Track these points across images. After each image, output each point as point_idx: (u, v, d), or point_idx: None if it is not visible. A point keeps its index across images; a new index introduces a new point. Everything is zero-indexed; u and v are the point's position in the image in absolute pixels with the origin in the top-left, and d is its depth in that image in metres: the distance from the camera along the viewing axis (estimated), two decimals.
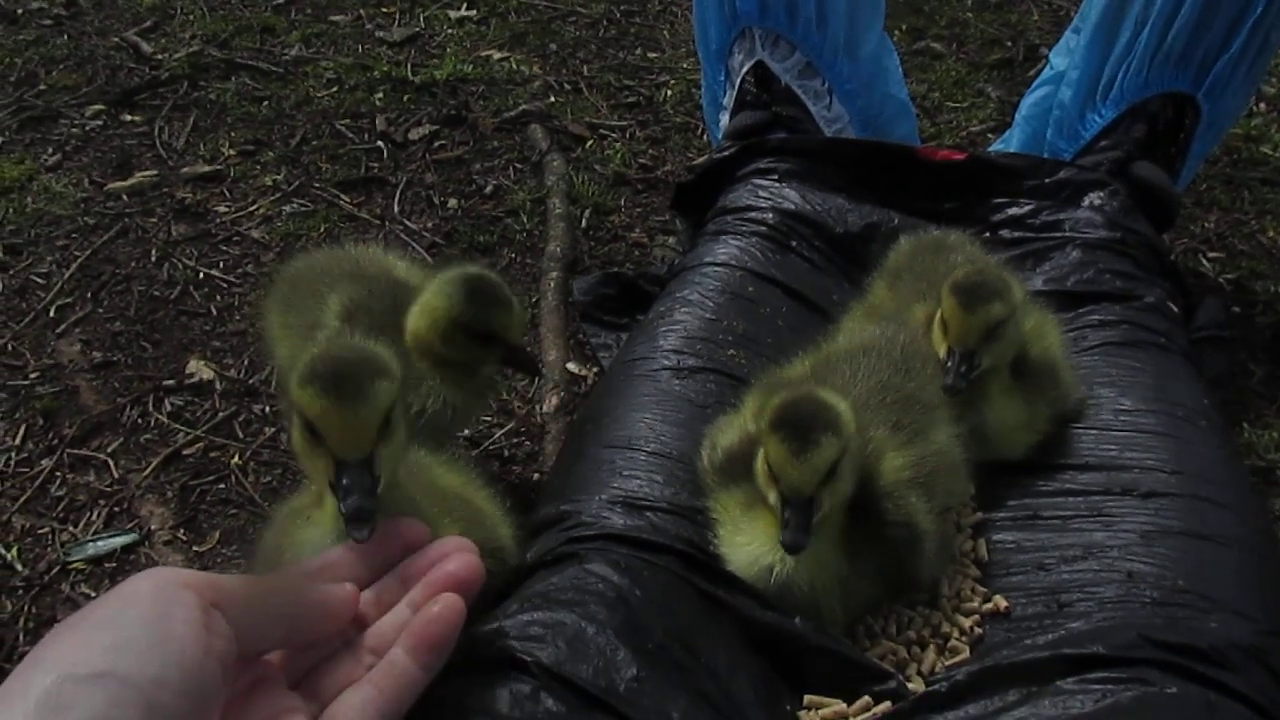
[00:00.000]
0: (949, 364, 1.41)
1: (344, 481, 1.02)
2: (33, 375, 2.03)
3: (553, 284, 2.13)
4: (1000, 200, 1.95)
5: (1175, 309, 1.79)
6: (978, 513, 1.43)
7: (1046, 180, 1.94)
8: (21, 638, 1.58)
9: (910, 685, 1.20)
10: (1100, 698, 1.08)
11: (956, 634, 1.27)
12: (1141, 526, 1.32)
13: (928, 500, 1.32)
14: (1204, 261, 2.30)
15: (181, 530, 1.73)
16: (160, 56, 3.08)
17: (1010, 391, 1.50)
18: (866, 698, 1.18)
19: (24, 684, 0.67)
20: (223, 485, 1.81)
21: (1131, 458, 1.44)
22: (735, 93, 2.16)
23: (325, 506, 1.13)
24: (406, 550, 0.98)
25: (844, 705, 1.17)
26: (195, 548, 1.70)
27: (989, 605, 1.29)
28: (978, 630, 1.27)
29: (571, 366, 1.98)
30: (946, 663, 1.24)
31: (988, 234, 1.92)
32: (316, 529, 1.13)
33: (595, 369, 1.98)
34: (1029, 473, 1.47)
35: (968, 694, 1.15)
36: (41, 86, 2.96)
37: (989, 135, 2.71)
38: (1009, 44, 3.16)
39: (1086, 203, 1.91)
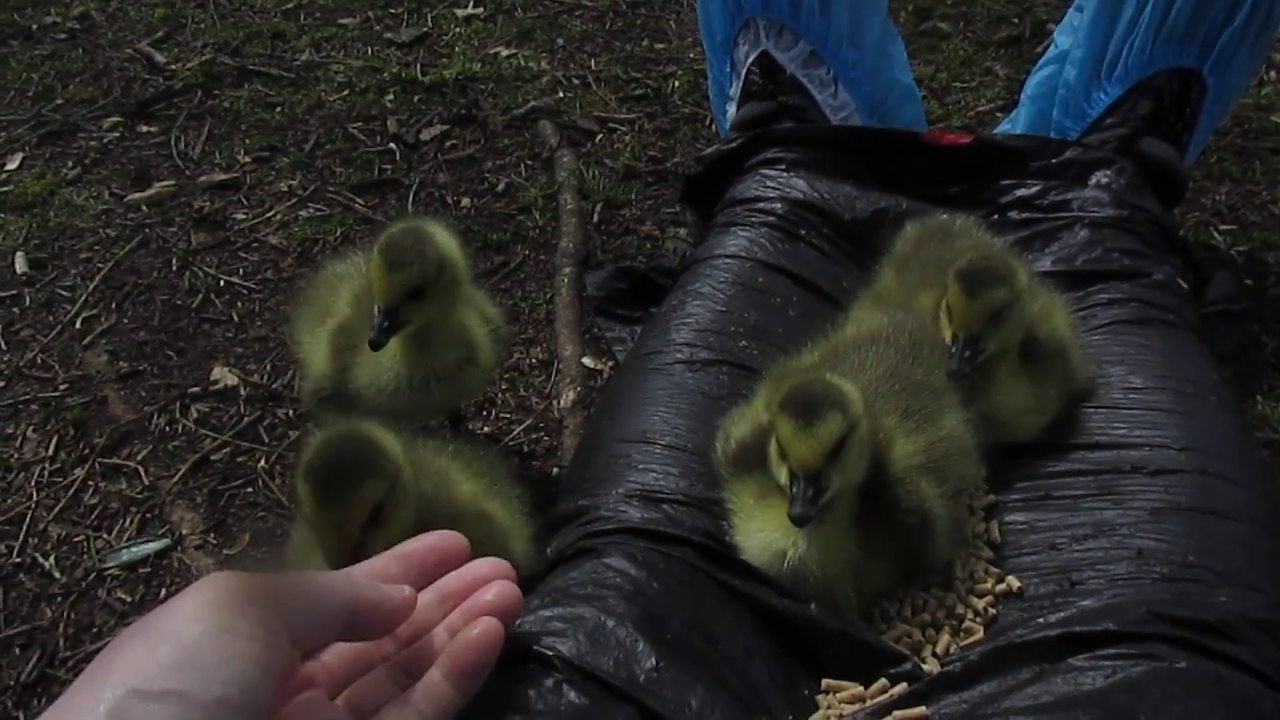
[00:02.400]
0: (953, 349, 1.43)
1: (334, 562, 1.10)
2: (62, 387, 2.08)
3: (566, 279, 2.15)
4: (1007, 182, 1.96)
5: (1184, 285, 1.79)
6: (989, 495, 1.46)
7: (1053, 160, 1.94)
8: (61, 643, 1.63)
9: (926, 666, 1.23)
10: (1111, 673, 1.11)
11: (971, 615, 1.29)
12: (1151, 504, 1.34)
13: (939, 485, 1.34)
14: (1215, 234, 2.30)
15: (212, 534, 1.77)
16: (173, 66, 3.12)
17: (1019, 374, 1.51)
18: (883, 680, 1.20)
19: (90, 699, 0.67)
20: (250, 489, 1.85)
21: (1141, 435, 1.46)
22: (741, 84, 2.17)
23: None
24: (444, 561, 0.97)
25: (861, 688, 1.20)
26: (226, 551, 1.74)
27: (1002, 586, 1.31)
28: (991, 611, 1.29)
29: (587, 361, 2.01)
30: (961, 643, 1.26)
31: (995, 216, 1.93)
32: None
33: (610, 363, 2.01)
34: (1039, 453, 1.49)
35: (982, 673, 1.18)
36: (59, 100, 3.01)
37: (997, 114, 2.71)
38: (1016, 21, 3.16)
39: (1094, 181, 1.92)
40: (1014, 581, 1.31)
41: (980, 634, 1.27)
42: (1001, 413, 1.50)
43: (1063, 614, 1.22)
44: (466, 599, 0.93)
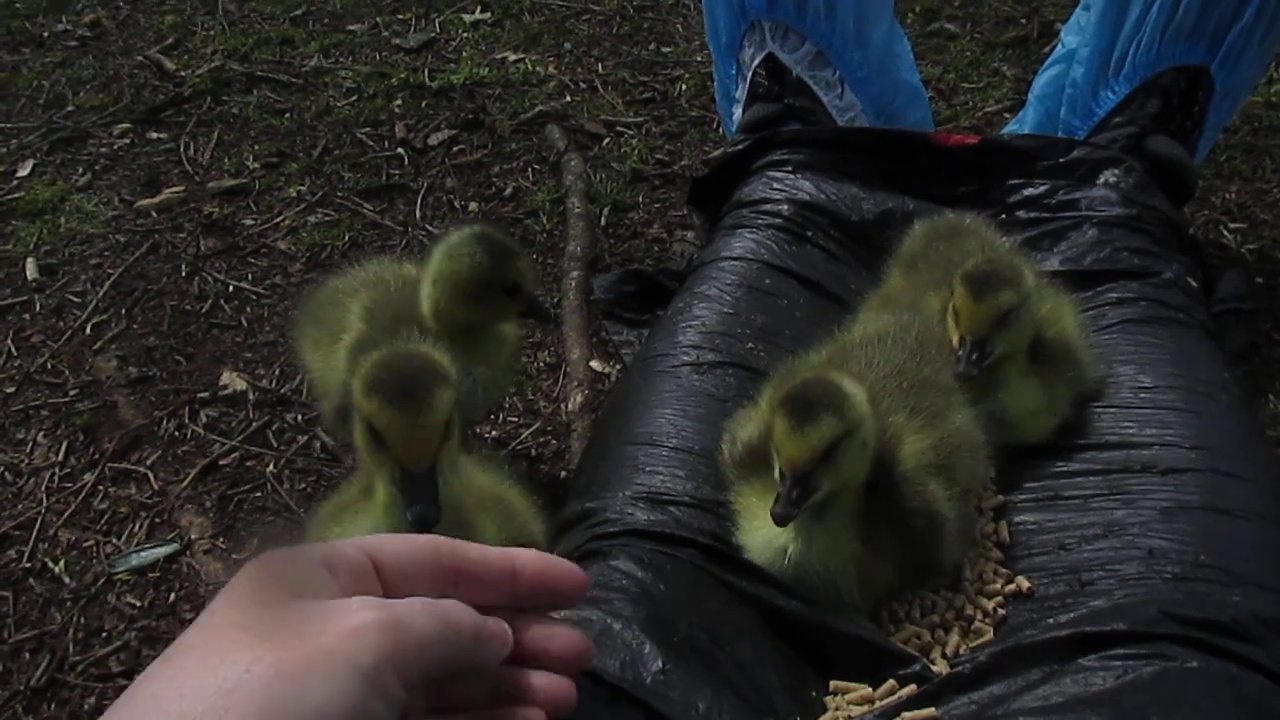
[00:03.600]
0: (960, 352, 1.43)
1: (410, 488, 1.08)
2: (72, 392, 2.08)
3: (574, 283, 2.15)
4: (1015, 182, 1.95)
5: (1194, 284, 1.79)
6: (998, 495, 1.45)
7: (1061, 160, 1.94)
8: (71, 648, 1.64)
9: (935, 668, 1.22)
10: (1122, 673, 1.10)
11: (980, 616, 1.29)
12: (1161, 503, 1.33)
13: (948, 485, 1.33)
14: (1225, 233, 2.29)
15: (221, 539, 1.78)
16: (183, 73, 3.13)
17: (1028, 375, 1.51)
18: (892, 681, 1.20)
19: None
20: (259, 493, 1.85)
21: (1151, 435, 1.45)
22: (747, 86, 2.17)
23: (376, 498, 1.17)
24: (517, 581, 0.75)
25: (869, 689, 1.19)
26: (234, 555, 1.75)
27: (1011, 586, 1.31)
28: (1001, 611, 1.29)
29: (595, 365, 2.01)
30: (971, 644, 1.26)
31: (1003, 216, 1.92)
32: (367, 520, 1.18)
33: (618, 366, 2.00)
34: (1049, 454, 1.48)
35: (991, 674, 1.17)
36: (70, 108, 3.02)
37: (1005, 115, 2.70)
38: (1024, 21, 3.15)
39: (1102, 180, 1.91)
40: (1023, 582, 1.31)
41: (989, 635, 1.26)
42: (1011, 414, 1.50)
43: (1073, 614, 1.21)
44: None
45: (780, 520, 1.17)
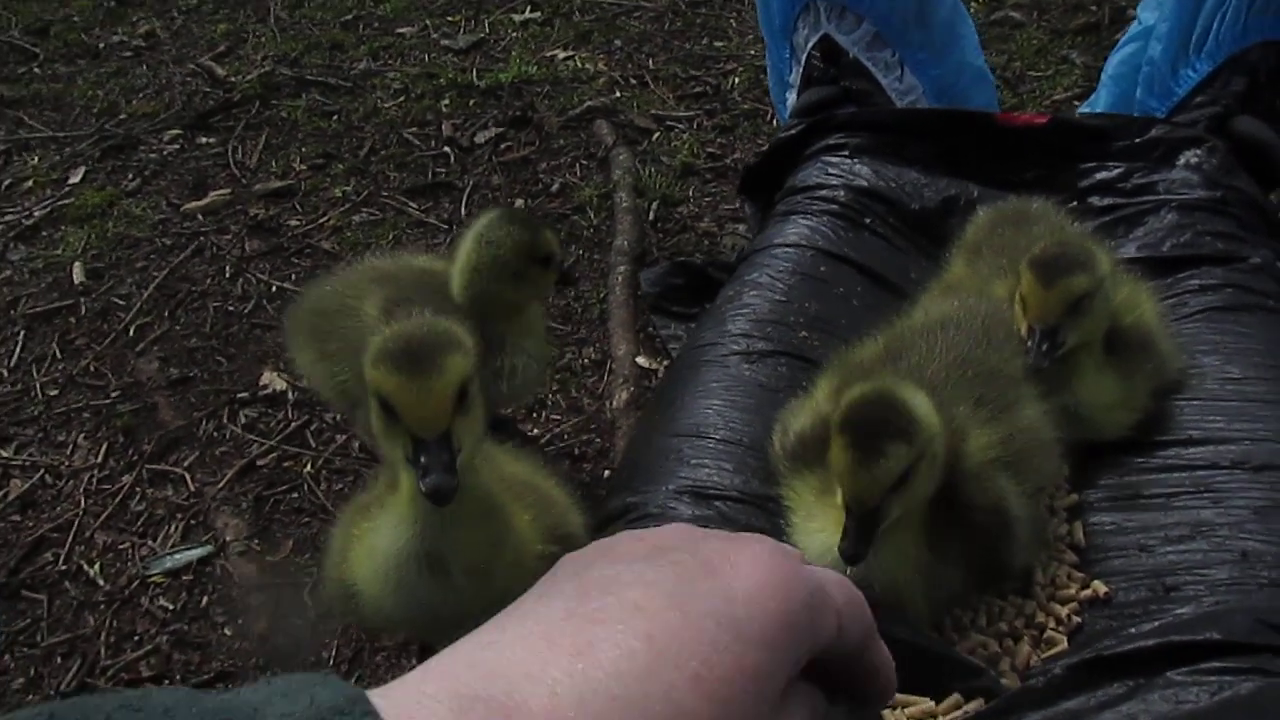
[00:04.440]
0: (1030, 342, 1.32)
1: (422, 459, 1.01)
2: (114, 394, 2.05)
3: (621, 278, 2.08)
4: (1088, 165, 1.84)
5: None
6: (1072, 494, 1.34)
7: (1137, 140, 1.81)
8: (103, 652, 1.59)
9: (1004, 681, 1.12)
10: (1216, 689, 0.99)
11: (1053, 624, 1.18)
12: (1255, 502, 1.21)
13: (1018, 482, 1.23)
14: None
15: (255, 540, 1.73)
16: (233, 79, 3.12)
17: (1104, 367, 1.39)
18: (956, 695, 1.10)
19: None
20: (295, 494, 1.80)
21: (1241, 429, 1.33)
22: (801, 69, 2.08)
23: (401, 491, 1.11)
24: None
25: (932, 703, 1.09)
26: (269, 558, 1.69)
27: (1087, 592, 1.20)
28: (1076, 619, 1.18)
29: (641, 360, 1.93)
30: (1043, 655, 1.15)
31: (1075, 202, 1.81)
32: (392, 513, 1.12)
33: (665, 362, 1.92)
34: (1127, 450, 1.37)
35: (1068, 688, 1.06)
36: (122, 116, 3.03)
37: (1075, 103, 2.58)
38: (1094, 8, 3.01)
39: (1182, 161, 1.78)
40: (1101, 587, 1.20)
41: (1063, 644, 1.15)
42: (1085, 409, 1.38)
43: (1158, 622, 1.10)
44: None
45: (850, 560, 1.05)
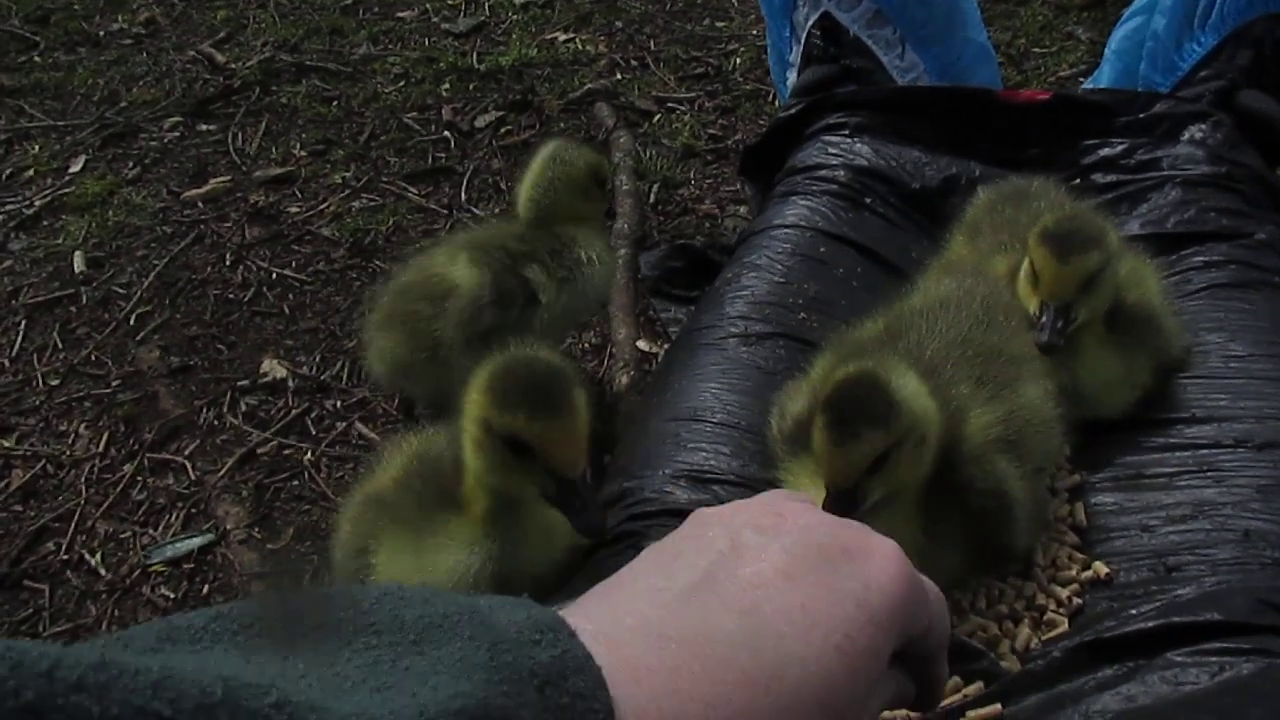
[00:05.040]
0: (1043, 319, 1.29)
1: (570, 499, 1.06)
2: (115, 383, 2.05)
3: (621, 261, 2.06)
4: (1091, 142, 1.81)
5: None
6: (1074, 475, 1.32)
7: (1141, 115, 1.79)
8: None
9: (1004, 664, 1.10)
10: (1217, 670, 0.97)
11: (1053, 605, 1.16)
12: (1258, 480, 1.19)
13: (1018, 463, 1.21)
14: None
15: (256, 528, 1.73)
16: (234, 66, 3.11)
17: (1106, 345, 1.37)
18: (955, 678, 1.08)
19: None
20: (296, 482, 1.80)
21: (1246, 407, 1.31)
22: (802, 48, 2.06)
23: (471, 509, 1.14)
24: None
25: None
26: (270, 545, 1.69)
27: (1088, 573, 1.18)
28: (1076, 601, 1.16)
29: (642, 344, 1.92)
30: (1043, 637, 1.14)
31: (1078, 180, 1.78)
32: (464, 531, 1.14)
33: (666, 345, 1.91)
34: (1129, 429, 1.34)
35: (1068, 671, 1.05)
36: (122, 104, 3.02)
37: (1080, 79, 2.55)
38: None
39: (1186, 136, 1.76)
40: (1102, 568, 1.18)
41: (1064, 626, 1.14)
42: (1087, 388, 1.36)
43: (1159, 603, 1.08)
44: None
45: None
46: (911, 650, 0.57)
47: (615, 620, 0.49)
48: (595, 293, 1.69)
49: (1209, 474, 1.24)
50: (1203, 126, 1.77)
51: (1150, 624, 1.04)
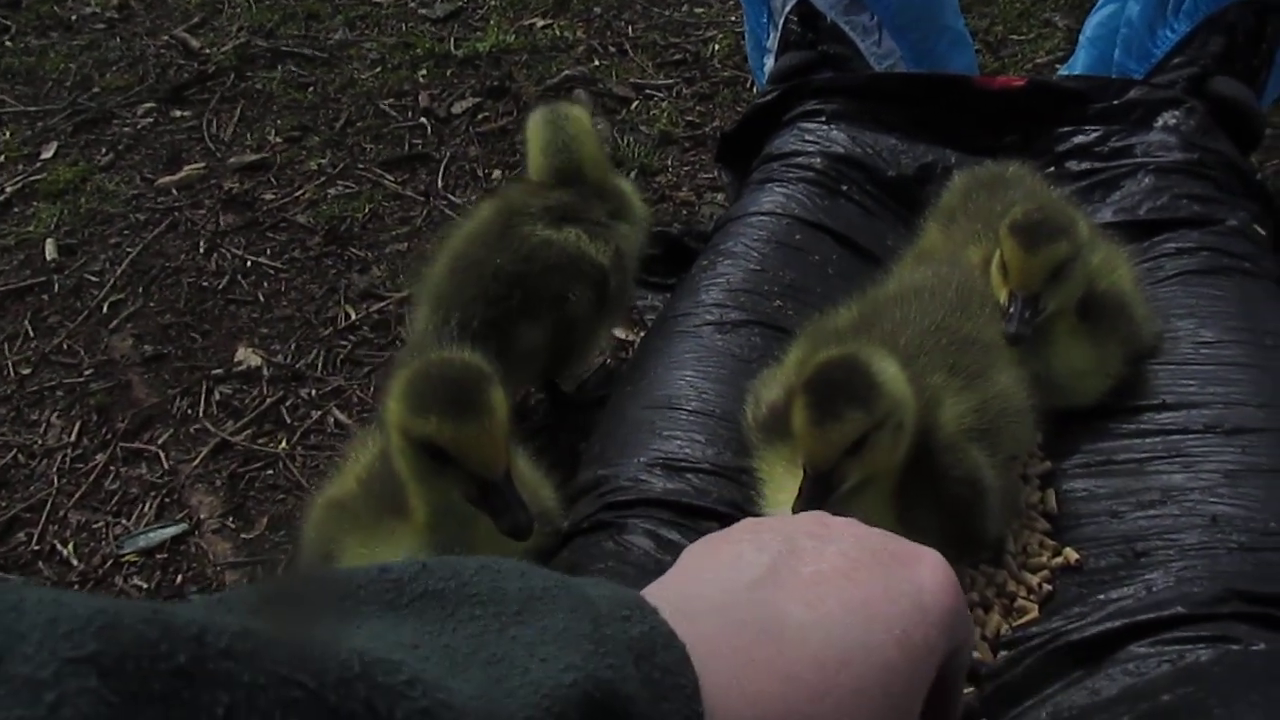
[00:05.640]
0: (1011, 310, 1.30)
1: (495, 500, 1.04)
2: (87, 372, 2.04)
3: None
4: (1065, 129, 1.82)
5: (1262, 232, 1.64)
6: (1045, 461, 1.33)
7: (1115, 102, 1.79)
8: None
9: (975, 654, 1.11)
10: (1177, 658, 0.98)
11: (1024, 592, 1.18)
12: (1226, 466, 1.21)
13: (991, 452, 1.22)
14: None
15: (230, 518, 1.72)
16: (208, 51, 3.07)
17: (1078, 333, 1.38)
18: None
19: None
20: (270, 471, 1.79)
21: (1214, 392, 1.32)
22: (779, 34, 2.06)
23: (414, 518, 1.13)
24: None
25: None
26: (244, 535, 1.69)
27: (1059, 559, 1.19)
28: (1047, 587, 1.17)
29: (618, 332, 1.91)
30: (1014, 624, 1.15)
31: (1052, 167, 1.79)
32: (408, 540, 1.14)
33: (642, 332, 1.91)
34: (1099, 416, 1.36)
35: (1036, 671, 1.07)
36: (95, 89, 2.98)
37: (1057, 66, 2.55)
38: None
39: (1160, 123, 1.77)
40: (1072, 554, 1.19)
41: (1035, 613, 1.15)
42: (1059, 376, 1.37)
43: (1126, 589, 1.10)
44: None
45: None
46: (946, 666, 0.58)
47: (689, 602, 0.51)
48: (637, 239, 1.70)
49: (1177, 459, 1.25)
50: (1176, 113, 1.77)
51: (1118, 624, 1.05)
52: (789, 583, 0.53)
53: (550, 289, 1.54)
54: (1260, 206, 1.71)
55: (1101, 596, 1.09)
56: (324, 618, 0.43)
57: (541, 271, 1.54)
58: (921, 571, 0.56)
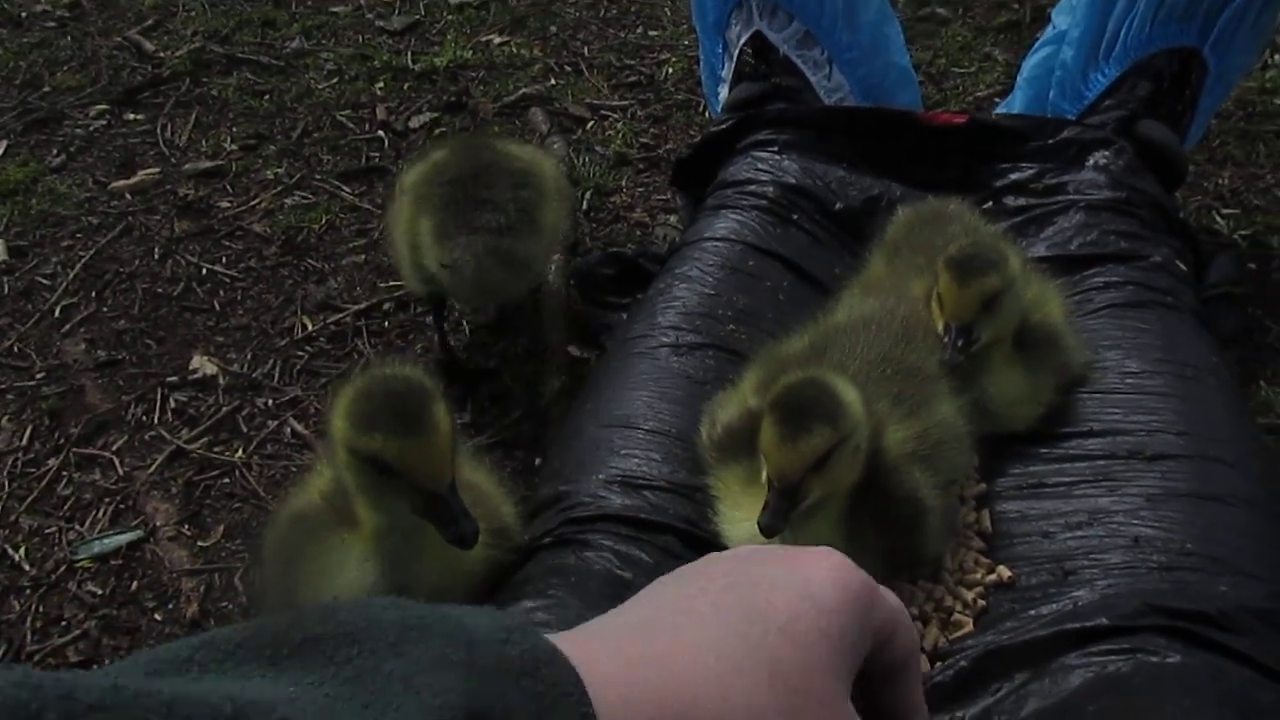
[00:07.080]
0: (946, 339, 1.39)
1: (440, 512, 1.07)
2: (39, 376, 2.04)
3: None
4: (1003, 165, 1.91)
5: (1184, 267, 1.74)
6: (981, 484, 1.41)
7: (1050, 141, 1.89)
8: (29, 637, 1.59)
9: None
10: (1100, 669, 1.06)
11: (960, 607, 1.25)
12: (1148, 490, 1.29)
13: (932, 475, 1.29)
14: (1218, 219, 2.25)
15: (186, 525, 1.73)
16: (162, 55, 3.07)
17: (1012, 363, 1.47)
18: None
19: None
20: (227, 480, 1.81)
21: (1138, 420, 1.41)
22: (733, 65, 2.13)
23: (363, 529, 1.16)
24: None
25: None
26: (200, 543, 1.70)
27: (992, 576, 1.27)
28: (981, 602, 1.25)
29: (573, 349, 1.96)
30: (950, 637, 1.22)
31: (990, 202, 1.88)
32: (357, 549, 1.16)
33: (597, 351, 1.96)
34: (1032, 441, 1.44)
35: (972, 681, 1.14)
36: (46, 89, 2.96)
37: (996, 99, 2.66)
38: (1016, 6, 3.10)
39: (1091, 163, 1.87)
40: (1005, 572, 1.27)
41: (969, 626, 1.22)
42: (994, 403, 1.46)
43: (1056, 606, 1.18)
44: None
45: (768, 532, 1.12)
46: (879, 662, 0.60)
47: (582, 629, 0.55)
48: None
49: (1103, 484, 1.34)
50: (1106, 153, 1.88)
51: (1047, 632, 1.13)
52: (671, 593, 0.57)
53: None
54: (1182, 243, 1.82)
55: (1032, 612, 1.17)
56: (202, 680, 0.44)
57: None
58: (810, 565, 0.57)
